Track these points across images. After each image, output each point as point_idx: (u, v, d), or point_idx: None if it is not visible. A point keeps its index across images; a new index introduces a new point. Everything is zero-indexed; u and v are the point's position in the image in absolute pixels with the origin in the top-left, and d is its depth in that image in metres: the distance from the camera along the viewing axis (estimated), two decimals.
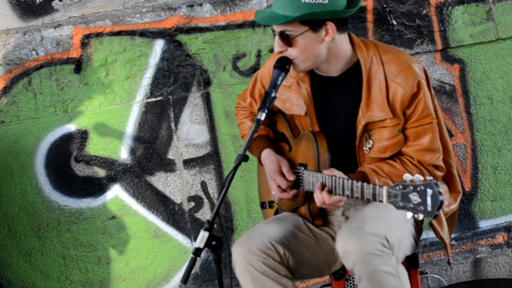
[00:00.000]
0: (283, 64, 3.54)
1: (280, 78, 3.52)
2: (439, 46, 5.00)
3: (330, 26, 3.40)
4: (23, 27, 4.60)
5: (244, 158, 3.35)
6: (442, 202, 2.89)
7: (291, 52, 3.45)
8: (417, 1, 4.94)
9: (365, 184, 3.22)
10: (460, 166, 5.09)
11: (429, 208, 2.91)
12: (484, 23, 5.03)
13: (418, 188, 2.94)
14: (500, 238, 5.17)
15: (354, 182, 3.26)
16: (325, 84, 3.60)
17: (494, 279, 3.32)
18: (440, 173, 3.62)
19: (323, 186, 3.40)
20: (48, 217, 4.71)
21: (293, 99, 3.69)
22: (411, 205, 2.96)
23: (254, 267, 3.44)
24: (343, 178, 3.33)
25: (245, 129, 4.02)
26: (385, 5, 4.90)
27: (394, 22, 4.94)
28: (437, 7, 4.97)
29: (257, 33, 4.80)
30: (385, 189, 3.08)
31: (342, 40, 3.49)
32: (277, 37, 3.44)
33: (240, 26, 4.79)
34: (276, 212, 3.89)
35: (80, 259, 4.77)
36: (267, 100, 3.48)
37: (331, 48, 3.47)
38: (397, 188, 3.01)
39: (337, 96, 3.60)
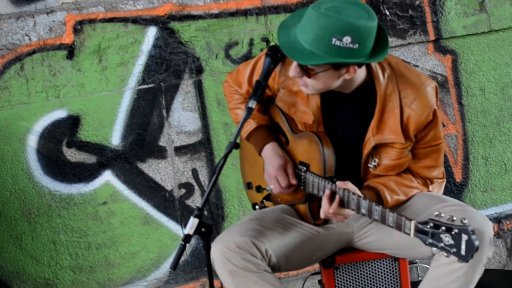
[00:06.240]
0: (275, 52, 3.53)
1: (272, 66, 3.52)
2: (432, 36, 5.01)
3: (353, 68, 3.32)
4: (16, 12, 4.60)
5: (235, 145, 3.34)
6: (478, 248, 2.89)
7: (306, 81, 3.38)
8: None
9: (387, 210, 3.19)
10: (451, 156, 5.11)
11: (462, 252, 2.91)
12: (477, 15, 5.04)
13: (453, 232, 2.93)
14: None
15: (374, 204, 3.24)
16: (336, 98, 3.53)
17: (484, 269, 3.34)
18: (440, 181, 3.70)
19: (333, 196, 3.39)
20: (39, 202, 4.71)
21: (300, 106, 3.61)
22: (442, 245, 2.96)
23: (232, 262, 3.40)
24: (358, 195, 3.30)
25: (240, 116, 3.90)
26: None
27: (387, 12, 4.94)
28: None
29: (249, 21, 4.80)
30: (413, 223, 3.06)
31: (359, 71, 3.41)
32: (294, 64, 3.35)
33: (233, 14, 4.80)
34: (267, 198, 3.89)
35: (70, 245, 4.78)
36: (258, 89, 3.47)
37: (346, 79, 3.39)
38: (428, 226, 3.00)
39: (347, 111, 3.55)
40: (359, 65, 3.35)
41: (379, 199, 3.47)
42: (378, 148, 3.50)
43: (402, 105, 3.45)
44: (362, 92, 3.49)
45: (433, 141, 3.54)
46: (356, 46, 3.21)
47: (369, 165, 3.52)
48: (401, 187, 3.53)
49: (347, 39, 3.19)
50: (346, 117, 3.56)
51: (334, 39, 3.19)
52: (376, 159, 3.51)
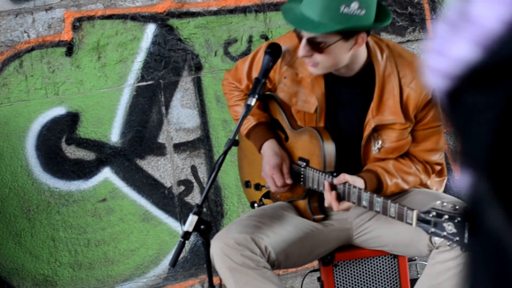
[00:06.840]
0: (274, 50, 3.54)
1: (271, 64, 3.53)
2: (431, 34, 5.01)
3: (361, 37, 3.34)
4: (15, 9, 4.59)
5: (234, 142, 3.34)
6: None
7: (317, 58, 3.37)
8: None
9: (389, 201, 3.19)
10: (451, 154, 5.11)
11: (466, 241, 2.91)
12: None
13: (456, 220, 2.92)
14: None
15: (375, 195, 3.24)
16: (337, 83, 3.54)
17: None
18: (439, 168, 3.68)
19: (332, 190, 3.39)
20: (38, 199, 4.71)
21: (302, 95, 3.60)
22: (445, 234, 2.95)
23: (231, 259, 3.40)
24: (359, 188, 3.30)
25: (240, 113, 3.91)
26: None
27: None
28: None
29: (248, 18, 4.80)
30: (415, 213, 3.07)
31: (361, 50, 3.43)
32: (304, 42, 3.33)
33: (232, 11, 4.79)
34: (266, 196, 3.89)
35: (69, 241, 4.78)
36: (257, 86, 3.48)
37: (354, 55, 3.40)
38: (430, 215, 3.00)
39: (347, 95, 3.55)
40: (368, 32, 3.37)
41: (379, 182, 3.47)
42: (378, 131, 3.51)
43: (402, 85, 3.46)
44: (363, 75, 3.50)
45: (432, 122, 3.54)
46: (363, 12, 3.25)
47: (373, 147, 3.52)
48: (399, 172, 3.53)
49: (354, 5, 3.23)
50: (348, 102, 3.56)
51: (342, 6, 3.23)
52: (379, 141, 3.51)
